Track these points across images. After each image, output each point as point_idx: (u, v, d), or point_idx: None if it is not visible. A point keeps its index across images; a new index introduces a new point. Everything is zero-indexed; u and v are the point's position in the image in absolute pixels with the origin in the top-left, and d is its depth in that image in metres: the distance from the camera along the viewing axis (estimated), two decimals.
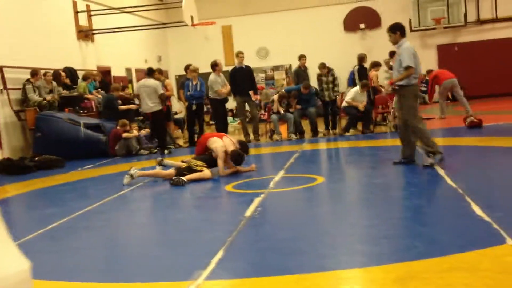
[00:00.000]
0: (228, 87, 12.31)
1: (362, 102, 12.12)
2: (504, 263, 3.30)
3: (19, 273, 1.73)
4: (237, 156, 7.58)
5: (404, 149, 7.27)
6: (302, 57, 13.70)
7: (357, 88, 12.40)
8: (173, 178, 7.29)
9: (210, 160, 7.70)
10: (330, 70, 12.67)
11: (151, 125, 12.00)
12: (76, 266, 4.10)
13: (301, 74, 13.38)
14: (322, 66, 12.75)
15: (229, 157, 7.60)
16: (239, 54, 12.70)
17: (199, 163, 7.59)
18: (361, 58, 13.24)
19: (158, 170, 7.93)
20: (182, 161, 8.03)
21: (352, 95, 12.31)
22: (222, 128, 12.26)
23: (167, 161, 8.38)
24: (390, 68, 11.92)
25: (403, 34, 7.20)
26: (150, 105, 11.40)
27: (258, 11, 21.28)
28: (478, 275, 3.13)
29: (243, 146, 7.90)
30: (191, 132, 12.72)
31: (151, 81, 11.53)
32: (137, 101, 12.42)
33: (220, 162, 7.61)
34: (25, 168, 9.87)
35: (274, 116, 12.48)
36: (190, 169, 7.49)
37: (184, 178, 7.22)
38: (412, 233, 4.18)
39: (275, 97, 12.99)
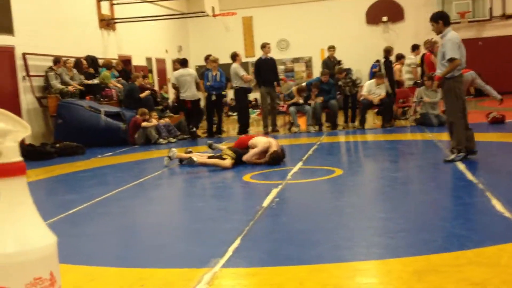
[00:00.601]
0: (250, 76, 12.35)
1: (380, 95, 11.99)
2: None
3: (46, 247, 1.77)
4: (277, 157, 7.54)
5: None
6: (330, 48, 13.69)
7: (373, 80, 12.30)
8: (186, 158, 7.43)
9: (242, 155, 7.71)
10: (348, 73, 12.65)
11: (189, 112, 12.43)
12: (94, 251, 4.15)
13: (329, 65, 13.34)
14: (339, 71, 12.72)
15: (269, 155, 7.53)
16: (266, 45, 12.71)
17: (229, 152, 7.62)
18: (388, 51, 13.07)
19: (195, 154, 8.04)
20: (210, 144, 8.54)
21: (368, 87, 12.23)
22: (244, 119, 12.31)
23: (216, 145, 8.66)
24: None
25: (447, 23, 6.81)
26: (195, 92, 12.10)
27: (279, 3, 21.21)
28: (496, 271, 3.10)
29: (283, 151, 7.82)
30: (210, 123, 12.74)
31: (191, 70, 12.13)
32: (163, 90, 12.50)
33: (255, 150, 7.62)
34: (47, 154, 10.00)
35: (292, 108, 12.44)
36: (221, 157, 7.60)
37: (198, 160, 7.37)
38: (430, 227, 4.15)
39: (294, 88, 12.97)
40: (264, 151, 7.60)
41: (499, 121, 10.70)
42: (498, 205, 4.47)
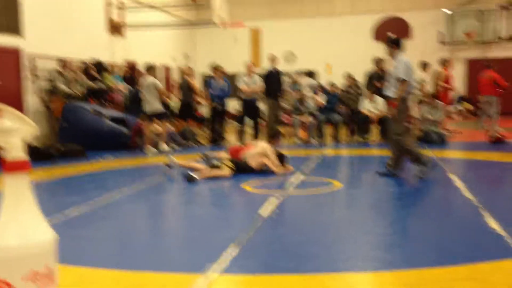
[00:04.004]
0: (254, 88, 12.32)
1: (379, 110, 12.04)
2: None
3: (45, 243, 1.82)
4: (283, 155, 8.05)
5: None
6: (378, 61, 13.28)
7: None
8: (188, 173, 7.39)
9: (240, 165, 7.82)
10: (356, 82, 12.75)
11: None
12: (91, 253, 4.20)
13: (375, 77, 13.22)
14: (349, 77, 12.86)
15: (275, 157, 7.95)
16: (276, 58, 12.87)
17: (228, 162, 7.73)
18: (377, 62, 12.98)
19: (194, 163, 8.12)
20: (206, 155, 8.39)
21: (365, 103, 12.29)
22: (241, 129, 12.38)
23: (212, 154, 8.60)
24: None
25: (399, 48, 7.27)
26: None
27: (287, 16, 21.35)
28: (488, 287, 3.14)
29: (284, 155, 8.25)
30: (212, 131, 12.81)
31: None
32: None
33: (270, 159, 7.88)
34: (50, 156, 10.07)
35: (295, 120, 12.55)
36: (217, 167, 7.66)
37: (199, 175, 7.36)
38: (425, 242, 4.19)
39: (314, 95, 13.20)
40: (263, 155, 7.89)
41: (500, 141, 10.75)
42: (492, 223, 4.51)
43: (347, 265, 3.69)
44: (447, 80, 13.09)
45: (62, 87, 11.97)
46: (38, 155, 9.94)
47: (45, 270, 1.82)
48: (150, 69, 11.63)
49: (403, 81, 7.00)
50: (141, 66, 16.95)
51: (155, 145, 11.44)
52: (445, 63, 13.44)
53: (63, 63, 12.13)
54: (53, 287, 1.92)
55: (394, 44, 7.29)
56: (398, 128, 7.17)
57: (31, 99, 11.83)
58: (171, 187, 7.50)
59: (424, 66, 13.86)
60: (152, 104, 11.31)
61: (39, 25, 11.98)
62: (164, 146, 11.42)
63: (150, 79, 11.43)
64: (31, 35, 11.72)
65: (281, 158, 8.09)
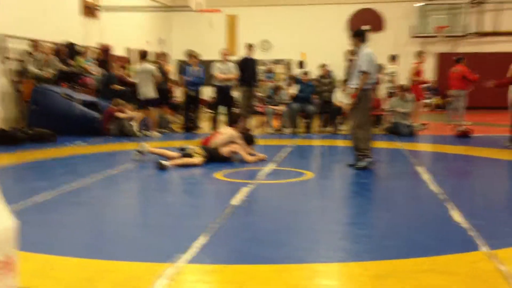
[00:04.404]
0: (229, 76, 12.27)
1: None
2: (477, 269, 3.39)
3: (3, 231, 1.78)
4: (250, 135, 8.15)
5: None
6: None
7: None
8: (159, 161, 7.33)
9: (212, 153, 7.78)
10: (329, 72, 12.81)
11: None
12: (60, 240, 4.15)
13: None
14: (322, 67, 12.91)
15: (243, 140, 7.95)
16: (252, 46, 12.84)
17: (198, 150, 7.68)
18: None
19: (166, 150, 8.01)
20: (181, 148, 8.01)
21: (338, 94, 12.39)
22: (215, 117, 12.35)
23: (188, 147, 8.01)
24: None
25: (363, 40, 7.37)
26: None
27: (265, 3, 21.29)
28: (451, 279, 3.22)
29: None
30: (186, 118, 12.75)
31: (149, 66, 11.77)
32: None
33: (240, 146, 7.85)
34: (18, 140, 9.89)
35: (269, 109, 12.59)
36: (191, 156, 7.60)
37: (170, 163, 7.30)
38: (391, 233, 4.26)
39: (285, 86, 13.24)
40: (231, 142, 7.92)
41: (466, 134, 10.96)
42: (457, 216, 4.61)
43: (315, 254, 3.73)
44: (419, 73, 13.27)
45: (33, 69, 11.76)
46: (4, 138, 9.75)
47: (4, 258, 1.79)
48: (145, 55, 11.95)
49: (364, 73, 7.09)
50: (115, 50, 16.75)
51: (127, 130, 11.37)
52: (420, 55, 13.59)
53: (34, 44, 11.89)
54: (12, 275, 1.89)
55: (359, 36, 7.39)
56: (358, 120, 7.26)
57: (1, 81, 11.58)
58: (142, 174, 7.45)
59: (393, 58, 14.02)
60: (146, 91, 11.48)
61: (10, 5, 11.71)
62: (155, 133, 11.61)
63: (147, 65, 11.75)
64: (2, 16, 11.46)
65: (249, 138, 8.08)
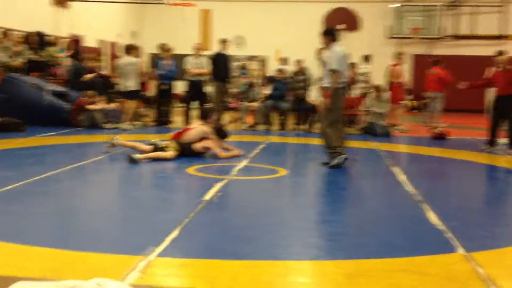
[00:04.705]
0: (201, 70, 12.14)
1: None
2: (452, 270, 3.38)
3: None
4: (222, 130, 8.05)
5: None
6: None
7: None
8: (130, 154, 7.19)
9: (185, 148, 7.66)
10: (304, 70, 12.78)
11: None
12: (28, 229, 4.05)
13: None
14: (298, 63, 12.87)
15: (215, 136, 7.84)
16: (226, 42, 12.67)
17: (173, 144, 7.56)
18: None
19: (138, 143, 7.83)
20: (150, 143, 7.80)
21: (314, 92, 12.41)
22: (187, 111, 12.22)
23: (160, 142, 7.83)
24: None
25: (334, 39, 7.33)
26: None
27: None
28: (425, 279, 3.19)
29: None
30: (159, 112, 12.58)
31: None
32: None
33: (212, 141, 7.75)
34: None
35: (243, 105, 12.52)
36: (163, 149, 7.48)
37: (142, 156, 7.17)
38: (365, 233, 4.23)
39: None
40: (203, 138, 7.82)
41: (441, 137, 11.04)
42: (433, 217, 4.60)
43: (288, 251, 3.69)
44: (398, 75, 13.22)
45: (2, 57, 11.46)
46: None
47: None
48: (131, 49, 11.92)
49: (334, 72, 7.06)
50: (87, 41, 16.48)
51: (98, 122, 11.18)
52: (399, 56, 13.54)
53: (4, 33, 11.60)
54: None
55: (329, 35, 7.34)
56: (330, 118, 7.23)
57: None
58: (112, 166, 7.31)
59: (366, 58, 14.04)
60: (129, 83, 11.53)
61: None
62: (126, 125, 11.39)
63: (132, 58, 11.72)
64: None
65: (221, 133, 8.01)
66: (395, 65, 13.31)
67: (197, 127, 8.05)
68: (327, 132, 7.24)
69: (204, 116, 8.39)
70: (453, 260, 3.54)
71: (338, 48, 7.29)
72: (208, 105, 11.79)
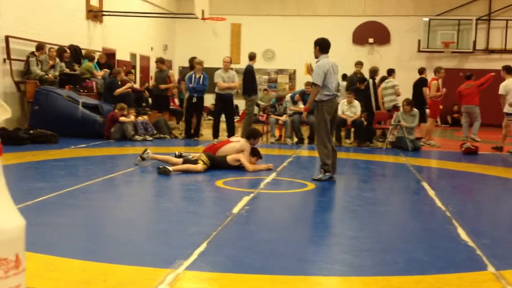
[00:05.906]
0: (231, 84, 12.20)
1: (355, 114, 12.17)
2: None
3: (14, 229, 1.75)
4: (257, 150, 8.12)
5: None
6: (358, 65, 13.75)
7: (345, 100, 12.44)
8: (160, 166, 7.29)
9: (217, 161, 7.78)
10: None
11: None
12: (59, 241, 4.10)
13: (354, 80, 13.37)
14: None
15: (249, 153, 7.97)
16: (255, 56, 12.82)
17: (203, 157, 7.65)
18: (373, 72, 13.10)
19: (168, 156, 7.96)
20: (181, 154, 8.18)
21: (341, 107, 12.27)
22: (217, 125, 12.30)
23: (186, 153, 8.32)
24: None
25: (322, 50, 7.16)
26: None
27: (269, 13, 21.32)
28: None
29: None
30: (188, 124, 12.70)
31: None
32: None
33: (245, 157, 7.84)
34: (19, 140, 9.85)
35: (272, 119, 12.57)
36: (195, 162, 7.56)
37: (172, 168, 7.26)
38: (394, 249, 4.18)
39: (288, 97, 13.17)
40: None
41: (472, 152, 10.88)
42: (463, 234, 4.54)
43: (316, 266, 3.67)
44: (438, 89, 12.97)
45: (36, 70, 11.75)
46: (7, 138, 9.70)
47: (14, 257, 1.75)
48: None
49: (314, 85, 6.95)
50: (119, 54, 16.78)
51: (129, 135, 11.34)
52: (439, 71, 13.23)
53: (39, 46, 11.90)
54: (21, 274, 1.85)
55: (317, 46, 7.17)
56: (317, 134, 7.20)
57: (3, 81, 11.55)
58: (142, 179, 7.40)
59: (390, 72, 13.83)
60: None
61: (15, 7, 11.71)
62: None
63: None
64: (7, 16, 11.45)
65: (255, 152, 8.07)
66: (434, 79, 13.08)
67: (240, 141, 8.24)
68: (318, 148, 7.20)
69: (252, 135, 8.23)
70: (483, 279, 3.48)
71: (326, 60, 7.09)
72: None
